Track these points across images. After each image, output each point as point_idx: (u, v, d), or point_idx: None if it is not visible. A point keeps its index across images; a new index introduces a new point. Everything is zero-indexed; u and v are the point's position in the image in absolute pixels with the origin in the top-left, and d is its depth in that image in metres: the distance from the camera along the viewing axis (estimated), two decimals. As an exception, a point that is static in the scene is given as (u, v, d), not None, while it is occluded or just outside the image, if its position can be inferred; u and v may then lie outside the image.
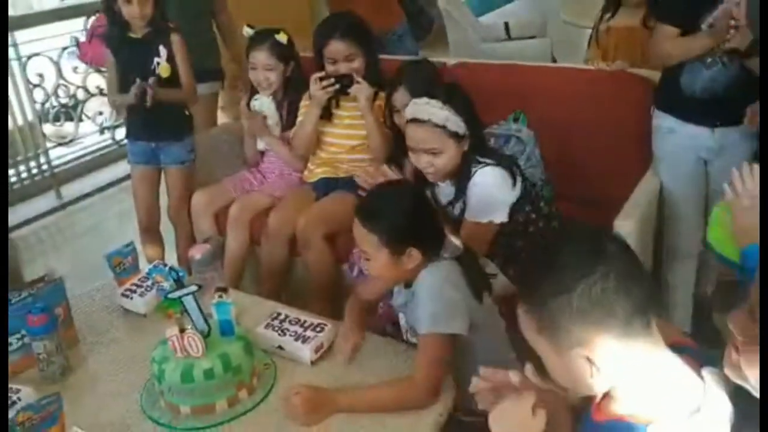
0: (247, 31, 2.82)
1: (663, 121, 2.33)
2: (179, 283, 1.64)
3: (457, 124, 1.97)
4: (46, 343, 1.72)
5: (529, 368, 1.16)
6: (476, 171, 2.02)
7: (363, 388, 1.62)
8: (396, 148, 2.42)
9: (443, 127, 1.96)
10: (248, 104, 2.85)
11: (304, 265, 2.61)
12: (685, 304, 2.49)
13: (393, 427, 1.53)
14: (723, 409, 0.97)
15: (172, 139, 2.85)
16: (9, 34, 3.96)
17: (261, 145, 2.92)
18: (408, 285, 1.70)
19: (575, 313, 0.99)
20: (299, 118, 2.75)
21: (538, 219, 2.13)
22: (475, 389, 1.24)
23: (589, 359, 1.01)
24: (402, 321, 1.81)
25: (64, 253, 3.82)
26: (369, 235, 1.58)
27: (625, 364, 1.01)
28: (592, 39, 3.08)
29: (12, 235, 3.90)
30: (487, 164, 2.02)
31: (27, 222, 4.17)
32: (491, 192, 2.02)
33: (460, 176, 2.04)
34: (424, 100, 1.98)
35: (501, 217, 2.03)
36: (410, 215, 1.60)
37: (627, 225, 2.06)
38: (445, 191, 2.12)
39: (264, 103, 2.82)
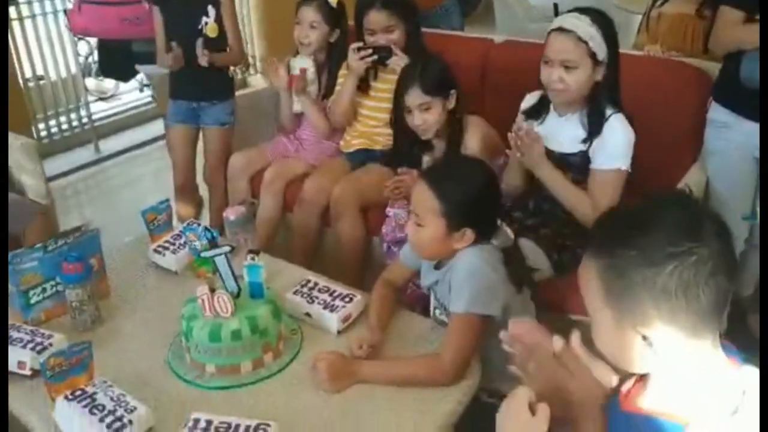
0: None
1: (718, 115, 2.28)
2: (213, 244, 1.65)
3: (599, 46, 1.94)
4: (78, 291, 1.74)
5: (576, 337, 1.11)
6: (612, 114, 1.99)
7: (389, 361, 1.62)
8: (411, 148, 2.38)
9: (585, 43, 1.93)
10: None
11: (335, 235, 2.60)
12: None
13: (417, 402, 1.53)
14: (761, 410, 0.92)
15: (214, 99, 2.87)
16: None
17: (296, 107, 2.89)
18: (437, 266, 1.68)
19: (657, 292, 0.91)
20: (337, 88, 2.74)
21: None
22: (505, 338, 1.23)
23: (649, 340, 0.95)
24: (432, 299, 1.79)
25: (99, 206, 3.89)
26: (432, 201, 1.56)
27: (682, 354, 0.96)
28: (642, 25, 3.02)
29: (51, 185, 3.99)
30: (620, 111, 2.00)
31: (65, 173, 4.24)
32: (627, 139, 1.99)
33: (592, 113, 2.02)
34: (574, 14, 1.97)
35: (627, 165, 2.00)
36: (481, 194, 1.59)
37: None
38: (567, 129, 2.07)
39: (303, 62, 2.80)
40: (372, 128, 2.73)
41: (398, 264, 1.88)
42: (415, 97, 2.21)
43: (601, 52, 1.95)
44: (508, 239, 1.63)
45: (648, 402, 1.03)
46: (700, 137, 2.37)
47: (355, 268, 2.52)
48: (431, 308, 1.81)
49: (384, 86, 2.65)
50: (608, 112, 2.00)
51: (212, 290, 1.59)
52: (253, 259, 1.65)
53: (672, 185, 2.19)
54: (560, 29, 1.97)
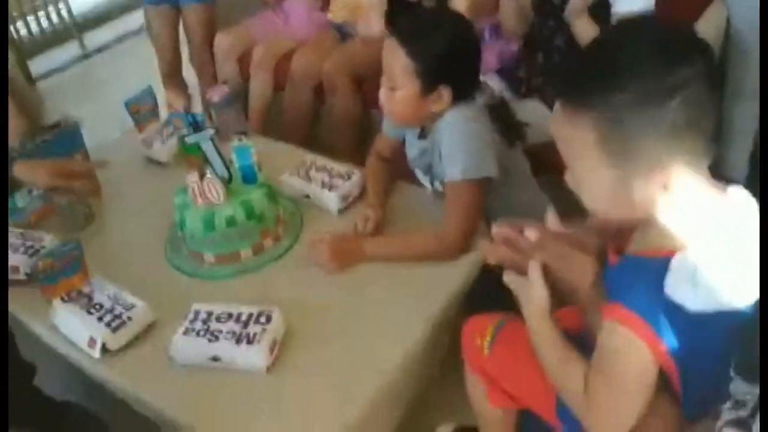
0: None
1: None
2: (197, 128, 1.56)
3: None
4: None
5: (551, 215, 1.04)
6: None
7: (393, 238, 1.55)
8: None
9: None
10: None
11: (330, 112, 2.49)
12: (744, 147, 2.31)
13: (425, 277, 1.47)
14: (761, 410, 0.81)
15: None
16: None
17: None
18: (421, 136, 1.57)
19: (665, 131, 0.82)
20: None
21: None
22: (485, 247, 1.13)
23: (664, 184, 0.85)
24: (419, 176, 1.68)
25: (88, 105, 3.74)
26: (404, 59, 1.41)
27: (690, 187, 0.86)
28: None
29: (37, 85, 3.87)
30: None
31: (51, 72, 4.09)
32: None
33: None
34: None
35: None
36: (456, 48, 1.42)
37: None
38: None
39: None
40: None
41: (383, 135, 1.75)
42: None
43: None
44: (493, 96, 1.51)
45: (636, 246, 0.94)
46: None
47: (353, 144, 2.43)
48: (425, 183, 1.68)
49: None
50: None
51: (202, 176, 1.50)
52: (240, 140, 1.55)
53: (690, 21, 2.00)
54: None
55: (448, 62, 1.41)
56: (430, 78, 1.41)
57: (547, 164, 1.97)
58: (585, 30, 1.92)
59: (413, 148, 1.62)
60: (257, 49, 2.63)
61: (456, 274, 1.47)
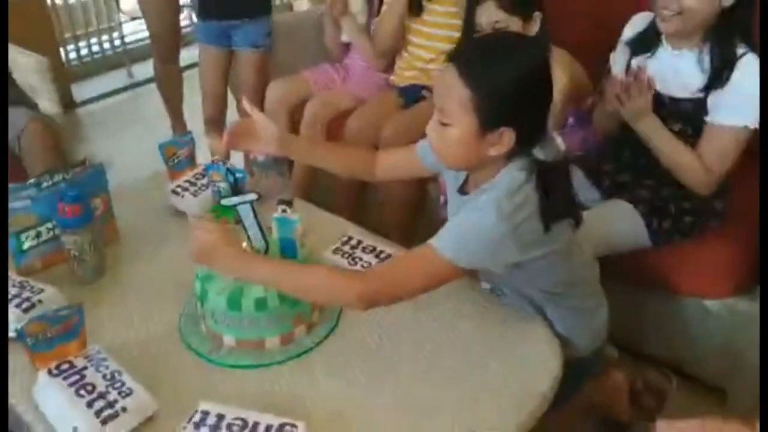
0: None
1: None
2: (237, 188, 1.35)
3: None
4: (77, 238, 1.46)
5: None
6: (745, 54, 1.60)
7: (284, 264, 1.34)
8: None
9: None
10: None
11: (384, 183, 2.27)
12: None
13: (506, 379, 1.23)
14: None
15: (246, 17, 2.56)
16: None
17: (345, 36, 2.59)
18: (463, 191, 1.33)
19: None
20: (384, 7, 2.41)
21: None
22: None
23: None
24: None
25: (128, 135, 3.63)
26: (462, 90, 1.16)
27: None
28: None
29: (79, 111, 3.76)
30: (754, 49, 1.60)
31: (95, 99, 4.01)
32: (757, 88, 1.60)
33: (717, 51, 1.64)
34: None
35: (755, 122, 1.63)
36: (527, 83, 1.18)
37: None
38: (682, 68, 1.70)
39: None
40: (427, 62, 2.40)
41: (412, 152, 1.50)
42: (488, 12, 1.82)
43: None
44: (558, 152, 1.24)
45: None
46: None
47: (405, 223, 2.22)
48: None
49: (440, 9, 2.34)
50: (740, 51, 1.60)
51: (233, 246, 1.28)
52: (284, 210, 1.34)
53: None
54: None
55: (515, 98, 1.16)
56: (492, 116, 1.16)
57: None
58: (650, 132, 1.71)
59: (453, 202, 1.40)
60: (311, 103, 2.47)
61: (547, 375, 1.26)
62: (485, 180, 1.25)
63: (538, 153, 1.21)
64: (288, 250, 1.36)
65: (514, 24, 1.82)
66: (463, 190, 1.34)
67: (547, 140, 1.22)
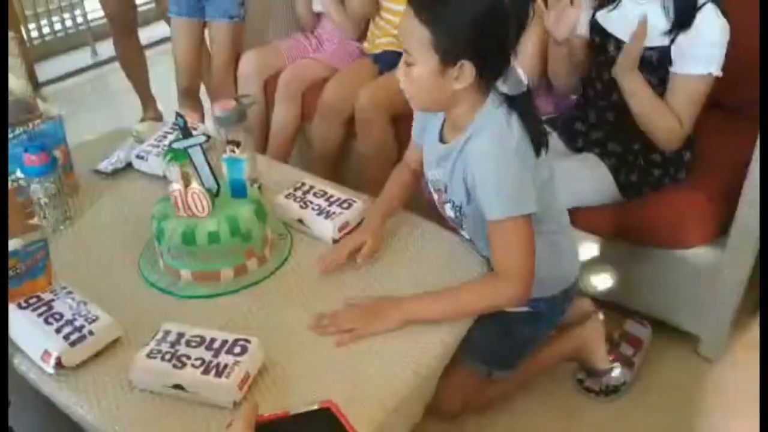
0: None
1: None
2: (186, 131, 1.49)
3: None
4: (48, 185, 1.66)
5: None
6: (705, 3, 1.75)
7: (437, 295, 1.46)
8: None
9: None
10: None
11: (361, 149, 2.46)
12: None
13: None
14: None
15: None
16: None
17: (316, 6, 2.75)
18: (442, 139, 1.51)
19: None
20: None
21: None
22: None
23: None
24: (437, 201, 1.61)
25: (96, 114, 3.77)
26: (419, 29, 1.33)
27: None
28: None
29: (44, 90, 3.86)
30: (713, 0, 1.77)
31: (60, 78, 4.12)
32: (722, 37, 1.75)
33: (682, 1, 1.77)
34: None
35: (719, 69, 1.78)
36: (481, 16, 1.31)
37: None
38: (647, 11, 1.78)
39: None
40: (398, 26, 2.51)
41: (412, 143, 1.70)
42: None
43: None
44: (521, 83, 1.40)
45: None
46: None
47: (383, 187, 2.35)
48: (440, 206, 1.62)
49: None
50: (700, 0, 1.77)
51: (187, 186, 1.45)
52: (233, 151, 1.50)
53: None
54: None
55: (470, 33, 1.32)
56: (451, 50, 1.33)
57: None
58: (636, 88, 1.83)
59: (431, 155, 1.56)
60: (285, 73, 2.65)
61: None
62: (463, 124, 1.44)
63: (502, 87, 1.40)
64: (238, 191, 1.55)
65: None
66: (443, 140, 1.51)
67: (509, 72, 1.39)
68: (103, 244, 1.67)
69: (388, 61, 2.51)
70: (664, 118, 1.83)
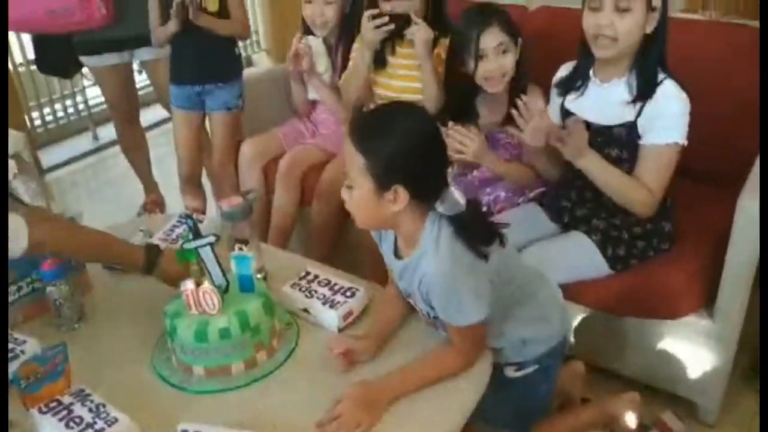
0: None
1: None
2: (197, 233, 1.57)
3: None
4: (62, 287, 1.72)
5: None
6: (665, 79, 1.89)
7: (411, 367, 1.55)
8: (463, 106, 2.28)
9: None
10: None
11: (358, 232, 2.48)
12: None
13: (439, 392, 1.50)
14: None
15: (219, 81, 2.75)
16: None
17: (312, 94, 2.85)
18: (397, 255, 1.60)
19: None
20: (350, 63, 2.65)
21: None
22: None
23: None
24: (411, 301, 1.66)
25: (98, 199, 3.86)
26: (357, 156, 1.42)
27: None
28: None
29: (47, 177, 3.96)
30: (671, 77, 1.89)
31: (62, 164, 4.23)
32: (683, 107, 1.87)
33: (642, 73, 1.90)
34: None
35: (683, 138, 1.89)
36: (414, 145, 1.41)
37: (753, 205, 1.82)
38: (612, 97, 1.94)
39: (314, 44, 2.73)
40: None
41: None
42: (493, 37, 2.13)
43: None
44: (458, 205, 1.47)
45: None
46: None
47: (381, 270, 2.41)
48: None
49: (403, 62, 2.56)
50: (660, 76, 1.89)
51: (198, 284, 1.52)
52: (241, 249, 1.58)
53: (745, 169, 2.02)
54: None
55: (402, 161, 1.41)
56: (384, 176, 1.42)
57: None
58: (592, 169, 1.94)
59: (393, 268, 1.64)
60: (284, 159, 2.72)
61: (470, 389, 1.51)
62: (412, 241, 1.52)
63: (440, 208, 1.47)
64: (245, 285, 1.60)
65: (512, 47, 2.17)
66: (397, 255, 1.61)
67: (446, 195, 1.47)
68: (116, 340, 1.71)
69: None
70: (632, 190, 1.91)
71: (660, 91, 1.87)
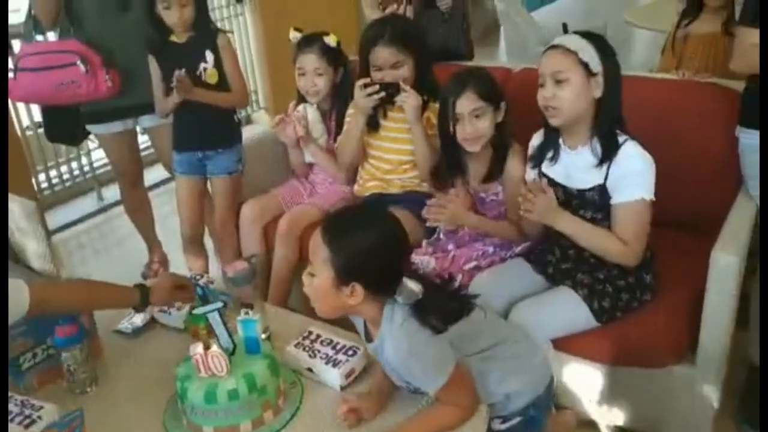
0: (294, 36, 2.85)
1: (749, 139, 2.19)
2: (205, 299, 1.65)
3: (591, 56, 1.96)
4: (75, 353, 1.79)
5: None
6: (625, 141, 1.99)
7: (408, 425, 1.63)
8: (451, 163, 2.38)
9: (575, 53, 1.95)
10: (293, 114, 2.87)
11: None
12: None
13: None
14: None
15: (219, 147, 2.85)
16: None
17: (308, 157, 2.96)
18: (368, 339, 1.68)
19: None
20: (345, 127, 2.77)
21: None
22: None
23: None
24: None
25: (104, 258, 3.93)
26: (324, 249, 1.53)
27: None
28: (667, 46, 3.04)
29: (54, 238, 4.03)
30: (631, 138, 2.00)
31: (68, 225, 4.30)
32: (646, 165, 1.97)
33: (602, 137, 2.00)
34: (567, 35, 2.02)
35: (650, 194, 1.98)
36: (376, 249, 1.53)
37: (726, 258, 1.93)
38: (581, 162, 2.05)
39: (309, 113, 2.84)
40: (386, 173, 2.74)
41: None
42: (468, 102, 2.21)
43: (594, 63, 1.96)
44: (414, 294, 1.55)
45: None
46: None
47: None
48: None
49: (395, 125, 2.68)
50: (621, 138, 2.00)
51: (206, 348, 1.59)
52: (246, 313, 1.66)
53: (721, 214, 2.14)
54: (550, 47, 2.02)
55: (361, 261, 1.51)
56: (345, 272, 1.52)
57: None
58: (567, 227, 2.04)
59: (368, 349, 1.73)
60: (283, 220, 2.78)
61: None
62: (375, 326, 1.61)
63: (398, 298, 1.57)
64: (252, 348, 1.67)
65: (488, 111, 2.24)
66: (368, 338, 1.70)
67: (402, 288, 1.56)
68: (129, 403, 1.77)
69: (376, 202, 2.69)
70: (607, 242, 2.01)
71: (622, 152, 1.97)
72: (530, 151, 2.23)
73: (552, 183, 2.10)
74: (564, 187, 2.08)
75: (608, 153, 1.99)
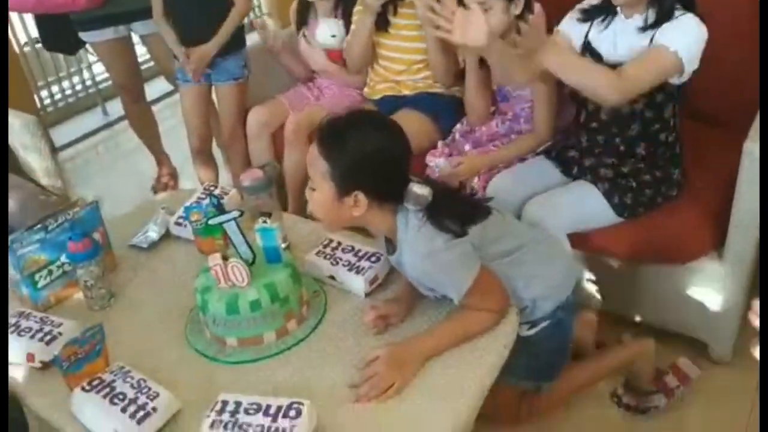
0: None
1: None
2: (220, 209, 1.56)
3: None
4: (92, 269, 1.71)
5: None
6: (682, 15, 1.79)
7: (445, 326, 1.55)
8: None
9: None
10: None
11: None
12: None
13: (465, 352, 1.49)
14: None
15: (224, 53, 2.72)
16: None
17: (314, 66, 2.82)
18: (390, 251, 1.60)
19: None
20: (352, 27, 2.61)
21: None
22: None
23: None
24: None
25: (111, 174, 3.84)
26: (320, 160, 1.45)
27: None
28: None
29: (60, 156, 3.93)
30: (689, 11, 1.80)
31: (73, 142, 4.19)
32: (698, 32, 1.77)
33: (660, 9, 1.80)
34: None
35: (687, 55, 1.77)
36: (375, 155, 1.44)
37: (757, 148, 1.80)
38: (630, 30, 1.85)
39: (332, 28, 2.66)
40: (397, 74, 2.60)
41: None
42: None
43: None
44: (423, 198, 1.47)
45: None
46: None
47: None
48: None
49: (406, 22, 2.52)
50: (677, 12, 1.80)
51: (225, 259, 1.51)
52: (264, 221, 1.57)
53: (750, 110, 1.97)
54: None
55: (361, 169, 1.44)
56: (345, 182, 1.45)
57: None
58: (556, 61, 1.79)
59: (391, 262, 1.65)
60: (289, 121, 2.66)
61: (498, 348, 1.51)
62: (394, 238, 1.53)
63: (408, 204, 1.48)
64: (272, 257, 1.58)
65: (498, 3, 2.04)
66: (389, 251, 1.62)
67: (408, 193, 1.48)
68: (148, 317, 1.70)
69: (388, 106, 2.56)
70: (598, 72, 1.79)
71: (675, 20, 1.78)
72: (582, 5, 1.99)
73: (595, 54, 1.91)
74: (599, 57, 1.89)
75: (660, 19, 1.79)
